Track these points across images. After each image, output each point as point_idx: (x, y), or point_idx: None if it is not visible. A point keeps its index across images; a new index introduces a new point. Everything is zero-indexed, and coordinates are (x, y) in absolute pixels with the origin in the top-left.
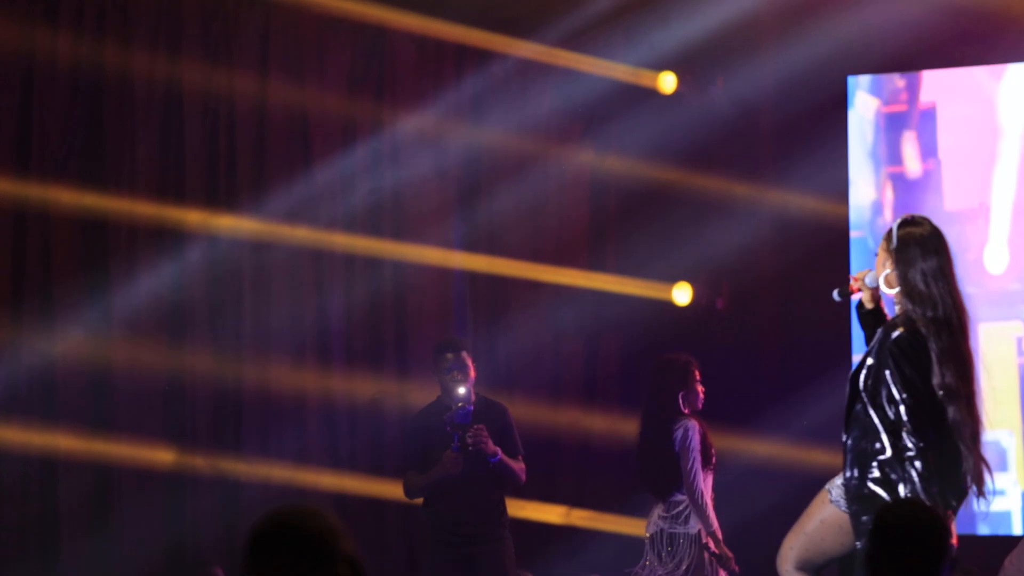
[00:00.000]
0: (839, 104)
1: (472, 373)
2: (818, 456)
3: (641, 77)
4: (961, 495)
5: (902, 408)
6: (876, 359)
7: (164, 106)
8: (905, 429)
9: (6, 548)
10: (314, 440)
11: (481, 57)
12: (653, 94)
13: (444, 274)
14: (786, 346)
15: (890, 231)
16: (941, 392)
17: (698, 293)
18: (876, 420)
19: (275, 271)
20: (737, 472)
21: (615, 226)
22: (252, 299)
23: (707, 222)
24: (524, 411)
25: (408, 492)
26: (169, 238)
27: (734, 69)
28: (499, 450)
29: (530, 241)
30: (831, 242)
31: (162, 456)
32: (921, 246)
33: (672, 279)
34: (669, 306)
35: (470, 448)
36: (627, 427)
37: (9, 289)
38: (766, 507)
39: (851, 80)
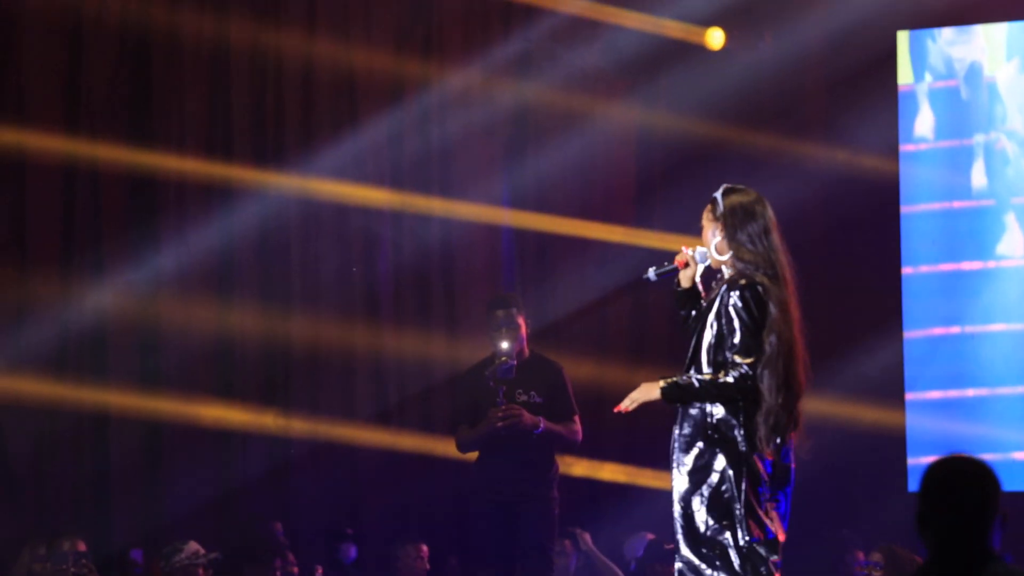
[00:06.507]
0: (889, 60)
1: (523, 331)
2: (865, 412)
3: (689, 33)
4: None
5: (739, 355)
6: (722, 318)
7: (211, 63)
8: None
9: (60, 502)
10: (363, 396)
11: (528, 13)
12: (701, 50)
13: (492, 231)
14: (834, 303)
15: (714, 199)
16: (772, 344)
17: None
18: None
19: (323, 229)
20: None
21: (662, 183)
22: (300, 256)
23: (754, 179)
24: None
25: (459, 446)
26: (217, 195)
27: (782, 24)
28: (541, 421)
29: (578, 198)
30: (880, 200)
31: (211, 412)
32: (746, 211)
33: None
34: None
35: (500, 427)
36: None
37: (59, 246)
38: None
39: (900, 35)
